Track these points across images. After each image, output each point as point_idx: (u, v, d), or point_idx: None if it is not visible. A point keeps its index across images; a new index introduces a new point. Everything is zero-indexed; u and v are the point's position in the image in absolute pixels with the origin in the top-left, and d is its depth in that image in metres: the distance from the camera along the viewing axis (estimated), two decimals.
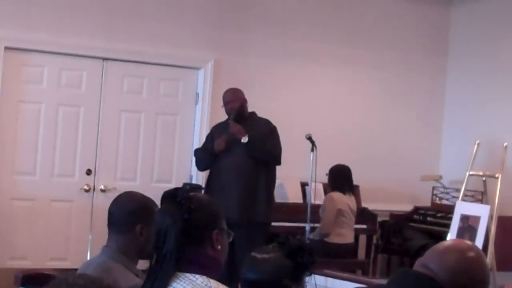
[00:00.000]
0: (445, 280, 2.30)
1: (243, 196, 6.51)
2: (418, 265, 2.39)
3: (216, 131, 6.84)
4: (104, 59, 7.57)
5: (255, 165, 6.56)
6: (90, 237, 7.43)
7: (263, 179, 6.60)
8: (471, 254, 2.37)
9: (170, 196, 2.63)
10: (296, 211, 7.57)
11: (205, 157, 6.80)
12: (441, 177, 8.77)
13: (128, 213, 3.19)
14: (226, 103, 6.76)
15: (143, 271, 2.90)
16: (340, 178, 7.46)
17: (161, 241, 2.54)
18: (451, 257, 2.34)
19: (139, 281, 2.90)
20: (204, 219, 2.59)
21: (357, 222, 7.59)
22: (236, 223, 6.34)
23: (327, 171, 7.46)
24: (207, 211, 2.62)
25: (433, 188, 8.66)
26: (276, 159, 6.67)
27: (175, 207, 2.57)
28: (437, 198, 8.63)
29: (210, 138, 6.87)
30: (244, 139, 6.51)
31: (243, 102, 6.74)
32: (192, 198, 2.60)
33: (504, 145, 6.44)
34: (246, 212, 6.49)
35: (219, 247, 2.61)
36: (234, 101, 6.70)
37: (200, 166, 7.02)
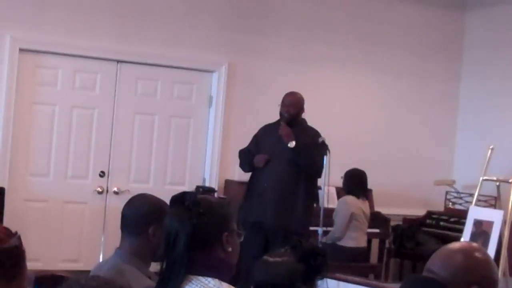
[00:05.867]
0: (454, 282, 2.31)
1: (280, 203, 6.53)
2: (425, 270, 2.42)
3: (263, 134, 6.86)
4: (118, 61, 7.58)
5: (296, 175, 6.57)
6: (103, 239, 7.44)
7: (303, 190, 6.59)
8: (477, 254, 2.39)
9: (178, 200, 2.62)
10: None
11: (249, 162, 6.79)
12: (454, 182, 8.74)
13: (141, 215, 3.19)
14: (285, 105, 6.74)
15: (155, 273, 2.91)
16: (354, 182, 7.45)
17: (171, 245, 2.54)
18: (457, 259, 2.36)
19: (152, 283, 2.91)
20: (213, 222, 2.59)
21: (370, 226, 7.58)
22: (272, 229, 6.40)
23: (341, 175, 7.45)
24: (216, 214, 2.61)
25: (446, 193, 8.64)
26: (317, 170, 6.63)
27: (184, 211, 2.57)
28: (450, 203, 8.61)
29: (255, 141, 6.88)
30: (291, 144, 6.53)
31: (301, 111, 6.77)
32: (201, 202, 2.59)
33: None
34: (281, 219, 6.51)
35: (230, 249, 2.61)
36: (293, 106, 6.72)
37: (243, 168, 7.01)
